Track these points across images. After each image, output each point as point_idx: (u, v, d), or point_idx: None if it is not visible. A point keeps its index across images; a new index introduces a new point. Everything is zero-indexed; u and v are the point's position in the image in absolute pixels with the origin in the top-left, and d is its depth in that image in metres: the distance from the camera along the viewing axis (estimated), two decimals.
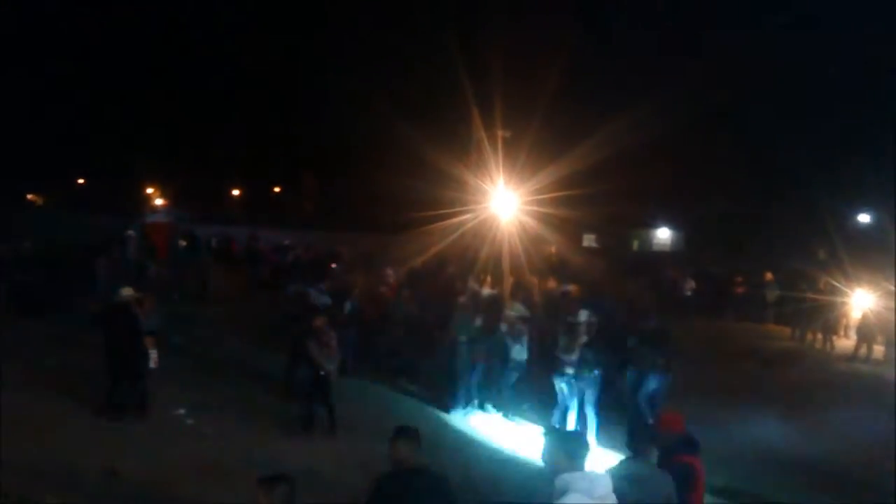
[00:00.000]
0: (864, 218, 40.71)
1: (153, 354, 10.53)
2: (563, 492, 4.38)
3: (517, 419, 11.57)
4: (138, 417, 10.13)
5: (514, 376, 11.97)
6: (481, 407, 12.00)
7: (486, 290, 15.20)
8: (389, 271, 16.76)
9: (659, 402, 10.93)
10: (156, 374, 10.62)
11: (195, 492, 7.91)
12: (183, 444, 9.39)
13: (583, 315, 11.17)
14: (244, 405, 11.10)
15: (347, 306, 13.46)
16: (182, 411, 10.54)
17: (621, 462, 5.03)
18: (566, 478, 4.43)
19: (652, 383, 11.11)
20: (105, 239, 20.58)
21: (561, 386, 10.67)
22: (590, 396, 10.61)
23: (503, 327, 12.02)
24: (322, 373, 10.05)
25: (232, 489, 7.84)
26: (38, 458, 8.27)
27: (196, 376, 12.36)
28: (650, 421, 10.28)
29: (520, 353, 11.93)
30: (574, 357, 10.65)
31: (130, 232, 22.47)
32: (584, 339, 10.82)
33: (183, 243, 23.83)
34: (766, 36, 41.17)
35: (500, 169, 24.65)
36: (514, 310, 12.41)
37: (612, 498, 4.53)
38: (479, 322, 12.36)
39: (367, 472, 5.35)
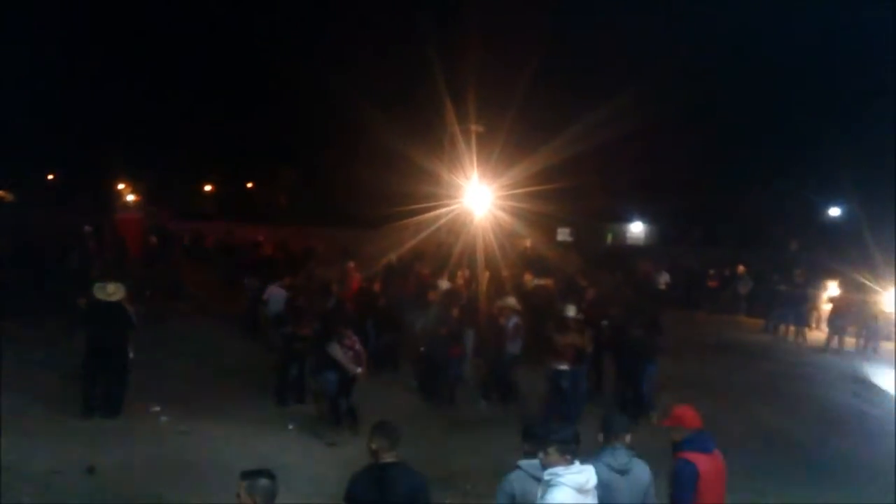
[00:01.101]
0: (834, 211, 41.24)
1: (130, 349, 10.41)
2: (553, 486, 4.40)
3: (504, 411, 11.58)
4: (118, 415, 10.05)
5: (509, 369, 12.08)
6: (472, 399, 12.14)
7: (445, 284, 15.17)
8: (352, 265, 16.77)
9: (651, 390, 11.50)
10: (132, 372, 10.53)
11: (171, 489, 7.84)
12: (159, 442, 9.32)
13: (570, 310, 11.28)
14: (219, 402, 11.06)
15: (332, 302, 13.34)
16: (157, 409, 10.45)
17: (600, 451, 5.04)
18: (557, 471, 4.45)
19: (651, 371, 11.54)
20: (61, 236, 20.24)
21: (559, 379, 10.71)
22: (581, 388, 10.74)
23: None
24: (350, 375, 10.17)
25: (208, 486, 7.80)
26: (14, 457, 8.16)
27: (171, 374, 12.26)
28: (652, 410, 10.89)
29: (514, 346, 12.00)
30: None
31: (88, 228, 22.04)
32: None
33: (154, 240, 23.55)
34: (736, 29, 41.49)
35: (474, 163, 24.70)
36: (507, 302, 12.53)
37: (593, 498, 4.58)
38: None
39: (345, 467, 5.34)
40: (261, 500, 4.16)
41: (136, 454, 8.78)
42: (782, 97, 42.52)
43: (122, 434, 9.44)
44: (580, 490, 4.43)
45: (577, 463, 4.54)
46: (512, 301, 12.67)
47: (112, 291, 10.36)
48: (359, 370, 10.26)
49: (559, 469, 4.47)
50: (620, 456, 4.99)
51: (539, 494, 4.52)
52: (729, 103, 43.79)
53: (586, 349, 11.24)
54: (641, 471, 5.09)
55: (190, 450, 9.09)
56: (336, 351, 10.08)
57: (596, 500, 4.59)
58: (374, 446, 4.95)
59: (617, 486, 4.88)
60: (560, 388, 10.73)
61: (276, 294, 14.48)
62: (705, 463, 5.21)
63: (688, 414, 5.46)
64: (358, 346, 10.42)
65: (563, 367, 10.69)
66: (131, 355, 10.37)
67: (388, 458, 4.91)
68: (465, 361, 12.99)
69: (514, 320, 12.14)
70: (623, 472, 4.91)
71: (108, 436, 9.32)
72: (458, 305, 12.95)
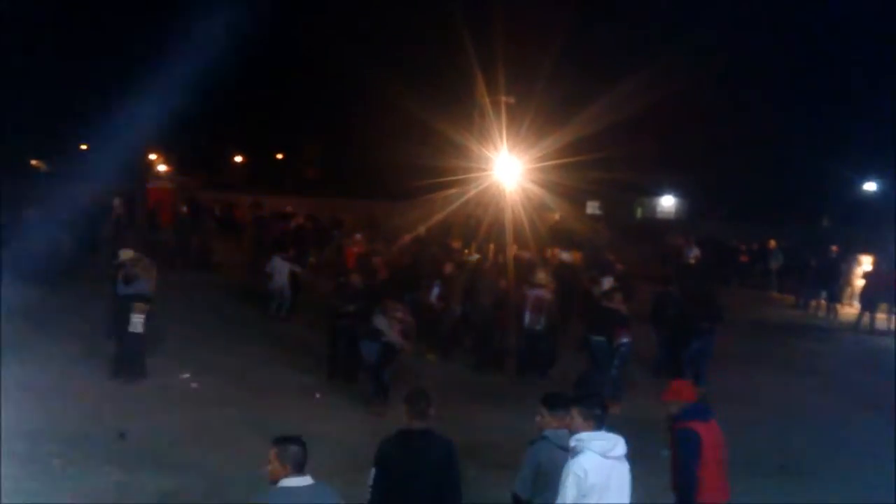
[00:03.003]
0: (869, 186, 40.47)
1: (137, 319, 10.30)
2: (580, 451, 4.48)
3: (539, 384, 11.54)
4: (128, 381, 10.18)
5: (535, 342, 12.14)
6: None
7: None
8: (358, 237, 16.89)
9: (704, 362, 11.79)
10: (154, 339, 10.77)
11: (200, 455, 7.99)
12: (188, 407, 9.47)
13: (607, 282, 11.28)
14: (250, 372, 11.18)
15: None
16: (187, 376, 10.61)
17: None
18: (583, 437, 4.53)
19: (695, 344, 11.76)
20: (92, 207, 20.43)
21: (625, 351, 10.73)
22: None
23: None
24: (396, 347, 10.34)
25: (236, 452, 7.93)
26: (45, 422, 8.35)
27: (201, 342, 12.43)
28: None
29: (533, 319, 12.04)
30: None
31: (117, 200, 22.14)
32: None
33: (185, 209, 23.74)
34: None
35: (504, 136, 24.49)
36: (537, 277, 12.58)
37: (622, 464, 4.63)
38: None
39: (373, 435, 5.41)
40: (291, 466, 4.24)
41: (167, 419, 8.94)
42: (816, 70, 41.72)
43: (153, 400, 9.62)
44: (606, 455, 4.49)
45: (603, 430, 4.60)
46: (542, 276, 12.65)
47: (119, 257, 10.68)
48: (403, 343, 10.31)
49: (584, 434, 4.55)
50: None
51: (567, 461, 4.58)
52: (761, 76, 43.09)
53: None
54: None
55: (220, 417, 9.23)
56: (381, 322, 10.12)
57: (626, 467, 4.64)
58: (407, 413, 5.07)
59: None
60: (624, 360, 10.73)
61: (279, 266, 14.67)
62: (705, 430, 5.53)
63: (684, 388, 5.89)
64: (408, 318, 10.51)
65: (627, 339, 10.70)
66: (132, 329, 10.30)
67: (418, 424, 5.01)
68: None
69: (535, 293, 12.09)
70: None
71: (138, 401, 9.50)
72: (504, 277, 13.06)
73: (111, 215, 20.16)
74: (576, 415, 4.71)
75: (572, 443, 4.58)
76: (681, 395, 5.78)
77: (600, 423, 4.66)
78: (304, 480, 4.24)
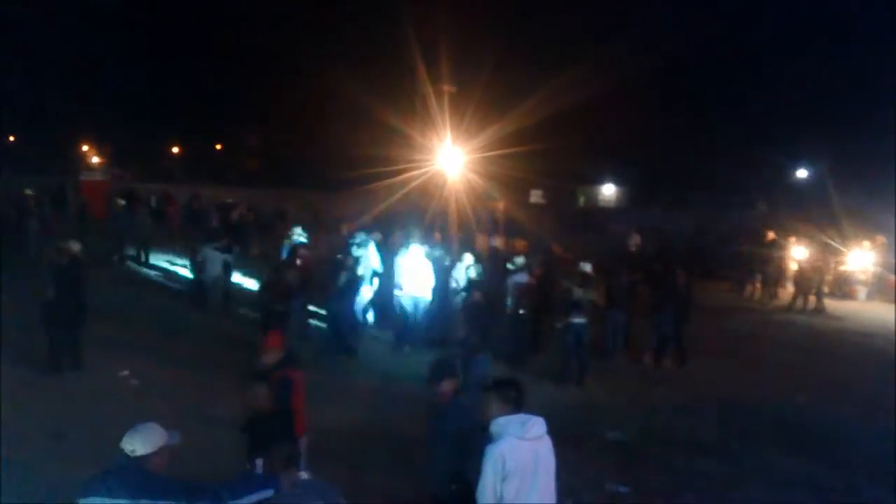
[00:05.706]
0: (801, 173, 41.64)
1: None
2: (498, 437, 4.46)
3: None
4: (74, 371, 10.15)
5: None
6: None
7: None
8: (298, 229, 16.71)
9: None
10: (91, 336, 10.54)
11: None
12: (129, 404, 9.24)
13: (587, 266, 11.53)
14: (189, 366, 10.95)
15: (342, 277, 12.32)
16: (127, 372, 10.35)
17: None
18: (500, 422, 4.50)
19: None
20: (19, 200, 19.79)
21: (580, 333, 11.06)
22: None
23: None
24: None
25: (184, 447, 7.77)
26: None
27: (140, 339, 12.12)
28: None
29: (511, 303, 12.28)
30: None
31: (28, 192, 21.39)
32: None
33: (121, 202, 23.11)
34: None
35: (447, 125, 24.52)
36: (517, 264, 12.84)
37: (544, 444, 4.63)
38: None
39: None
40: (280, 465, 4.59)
41: (106, 417, 8.70)
42: (751, 61, 42.69)
43: (93, 397, 9.36)
44: (524, 438, 4.47)
45: (521, 413, 4.58)
46: (521, 261, 12.92)
47: (70, 248, 10.48)
48: None
49: (502, 419, 4.52)
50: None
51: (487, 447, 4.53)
52: (699, 67, 43.93)
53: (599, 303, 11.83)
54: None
55: (161, 412, 9.01)
56: None
57: (548, 446, 4.62)
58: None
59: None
60: (580, 342, 11.07)
61: (211, 256, 14.43)
62: (297, 376, 6.46)
63: (277, 339, 6.81)
64: None
65: (582, 320, 11.02)
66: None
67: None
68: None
69: (516, 279, 12.32)
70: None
71: (75, 399, 9.27)
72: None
73: (39, 209, 19.45)
74: (492, 401, 4.63)
75: (492, 428, 4.52)
76: (275, 346, 6.61)
77: (518, 406, 4.62)
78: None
